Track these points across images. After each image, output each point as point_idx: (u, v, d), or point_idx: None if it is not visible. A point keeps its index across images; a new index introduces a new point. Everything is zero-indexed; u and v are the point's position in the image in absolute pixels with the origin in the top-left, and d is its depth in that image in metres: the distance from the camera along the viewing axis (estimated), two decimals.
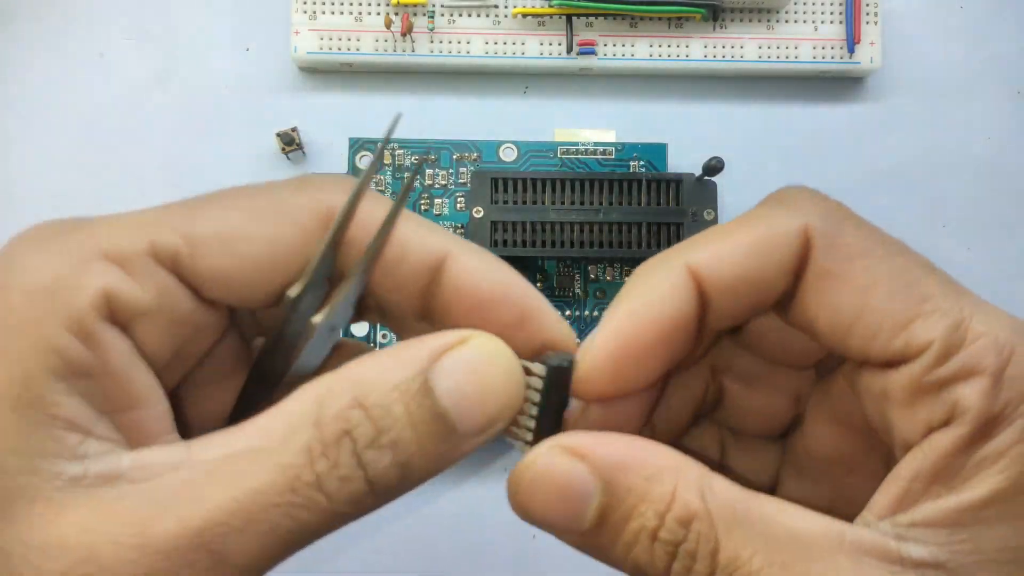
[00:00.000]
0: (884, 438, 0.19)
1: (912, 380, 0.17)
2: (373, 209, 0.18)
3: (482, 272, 0.19)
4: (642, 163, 0.40)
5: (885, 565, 0.16)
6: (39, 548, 0.15)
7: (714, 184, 0.37)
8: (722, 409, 0.23)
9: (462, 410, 0.17)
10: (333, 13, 0.39)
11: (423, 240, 0.19)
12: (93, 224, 0.17)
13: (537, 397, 0.18)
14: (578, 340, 0.20)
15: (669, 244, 0.37)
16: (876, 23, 0.40)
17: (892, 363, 0.18)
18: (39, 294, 0.16)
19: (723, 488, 0.17)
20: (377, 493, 0.16)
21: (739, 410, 0.23)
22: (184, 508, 0.15)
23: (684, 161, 0.40)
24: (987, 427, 0.17)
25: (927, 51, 0.42)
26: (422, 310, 0.19)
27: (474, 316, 0.19)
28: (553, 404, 0.19)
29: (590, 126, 0.41)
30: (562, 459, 0.17)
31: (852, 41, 0.40)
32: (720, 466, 0.24)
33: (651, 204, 0.37)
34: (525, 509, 0.18)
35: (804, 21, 0.40)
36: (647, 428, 0.22)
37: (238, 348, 0.21)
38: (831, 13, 0.40)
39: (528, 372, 0.18)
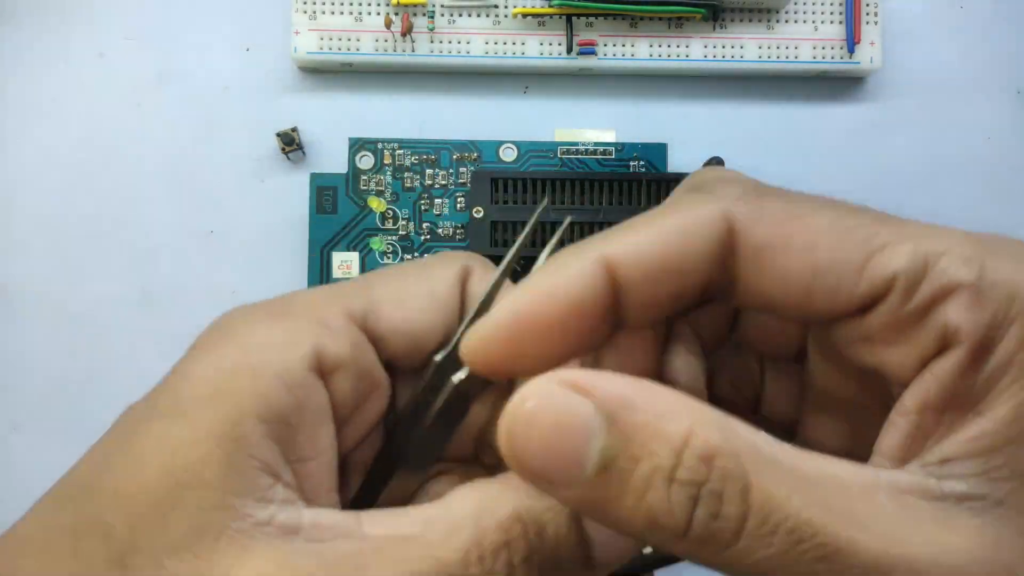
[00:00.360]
0: (880, 381, 0.18)
1: (890, 316, 0.17)
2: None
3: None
4: (642, 163, 0.40)
5: (929, 501, 0.15)
6: None
7: None
8: (739, 326, 0.22)
9: (606, 543, 0.18)
10: (333, 13, 0.39)
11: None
12: (293, 296, 0.20)
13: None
14: None
15: None
16: (876, 23, 0.40)
17: (864, 309, 0.17)
18: (256, 348, 0.18)
19: (745, 429, 0.15)
20: None
21: (754, 328, 0.22)
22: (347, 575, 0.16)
23: (684, 161, 0.40)
24: (984, 341, 0.16)
25: (927, 51, 0.42)
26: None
27: None
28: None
29: (590, 126, 0.41)
30: (560, 391, 0.15)
31: (852, 41, 0.40)
32: (755, 399, 0.23)
33: (651, 204, 0.37)
34: (520, 454, 0.15)
35: (804, 21, 0.40)
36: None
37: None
38: (831, 13, 0.40)
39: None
